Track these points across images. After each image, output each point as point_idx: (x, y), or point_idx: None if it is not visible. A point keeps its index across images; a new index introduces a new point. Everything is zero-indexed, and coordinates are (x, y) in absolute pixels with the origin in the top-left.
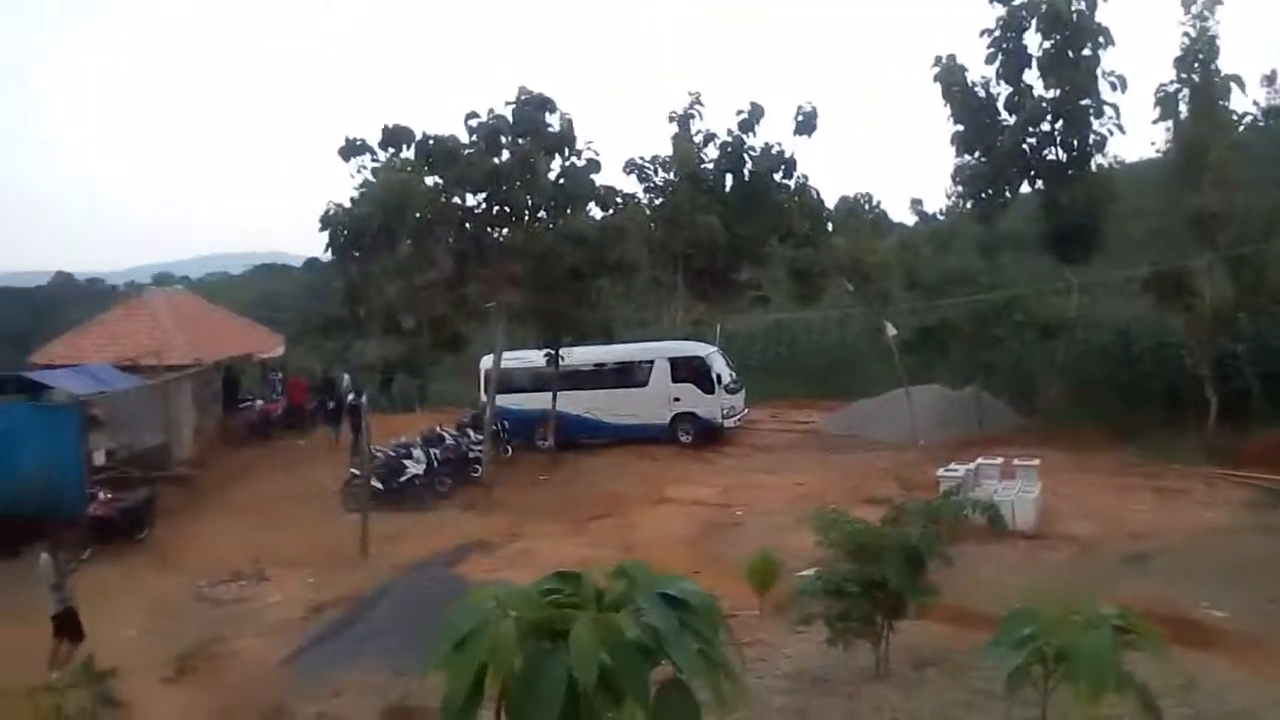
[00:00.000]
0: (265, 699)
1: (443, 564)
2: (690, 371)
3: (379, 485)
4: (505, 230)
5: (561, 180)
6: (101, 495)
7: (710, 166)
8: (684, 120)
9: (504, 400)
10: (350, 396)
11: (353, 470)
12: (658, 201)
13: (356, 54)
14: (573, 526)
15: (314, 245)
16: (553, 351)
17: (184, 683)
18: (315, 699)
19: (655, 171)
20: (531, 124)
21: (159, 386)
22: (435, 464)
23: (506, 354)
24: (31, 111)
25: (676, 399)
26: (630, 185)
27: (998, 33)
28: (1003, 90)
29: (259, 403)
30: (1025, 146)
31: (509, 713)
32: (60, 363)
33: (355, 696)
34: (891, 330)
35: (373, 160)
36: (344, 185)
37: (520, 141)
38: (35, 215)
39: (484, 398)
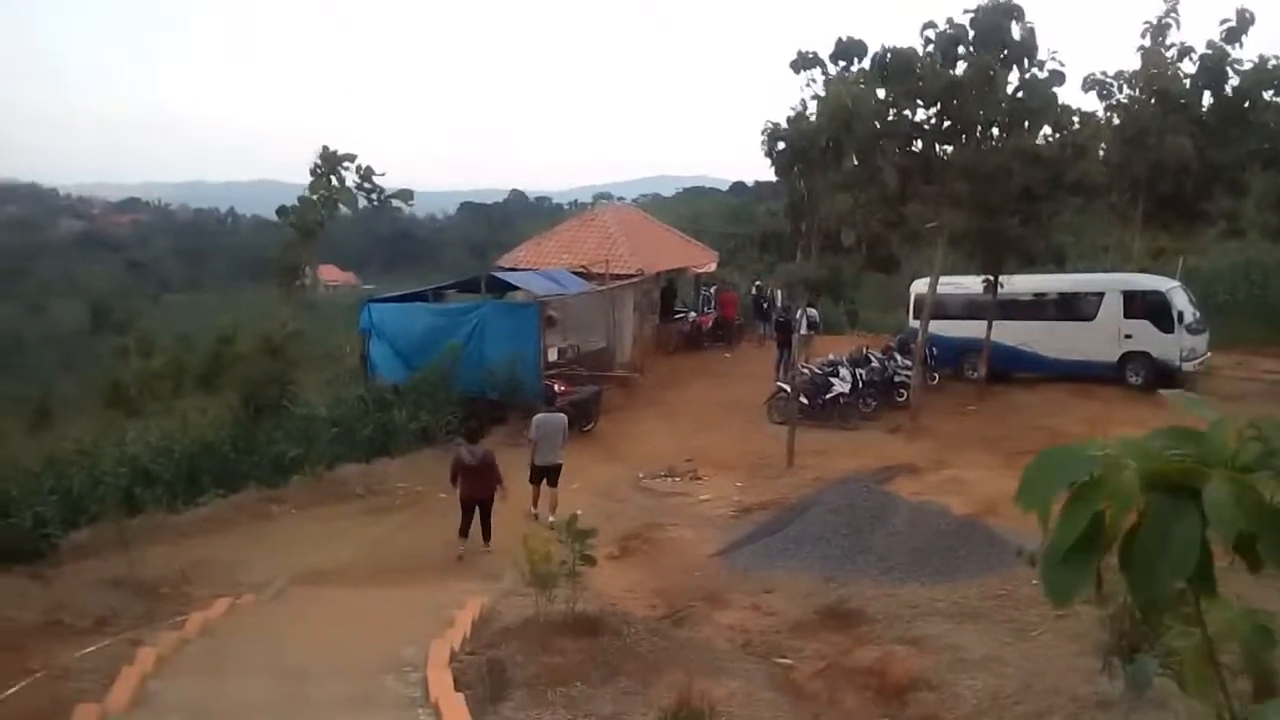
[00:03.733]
0: (700, 585)
1: (870, 481)
2: (1146, 307)
3: (804, 401)
4: (951, 147)
5: (1019, 94)
6: (555, 388)
7: (1185, 83)
8: (1158, 30)
9: (933, 327)
10: (799, 313)
11: (780, 384)
12: (1117, 121)
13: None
14: (1004, 460)
15: (738, 170)
16: (991, 278)
17: (627, 561)
18: (747, 592)
19: (1119, 88)
20: (996, 33)
21: (606, 293)
22: (860, 385)
23: (941, 279)
24: (500, 52)
25: (1128, 336)
26: (1089, 103)
27: None
28: None
29: (691, 314)
30: None
31: (1130, 565)
32: (523, 266)
33: (786, 595)
34: None
35: (823, 73)
36: (771, 109)
37: (980, 52)
38: (495, 141)
39: (912, 322)
